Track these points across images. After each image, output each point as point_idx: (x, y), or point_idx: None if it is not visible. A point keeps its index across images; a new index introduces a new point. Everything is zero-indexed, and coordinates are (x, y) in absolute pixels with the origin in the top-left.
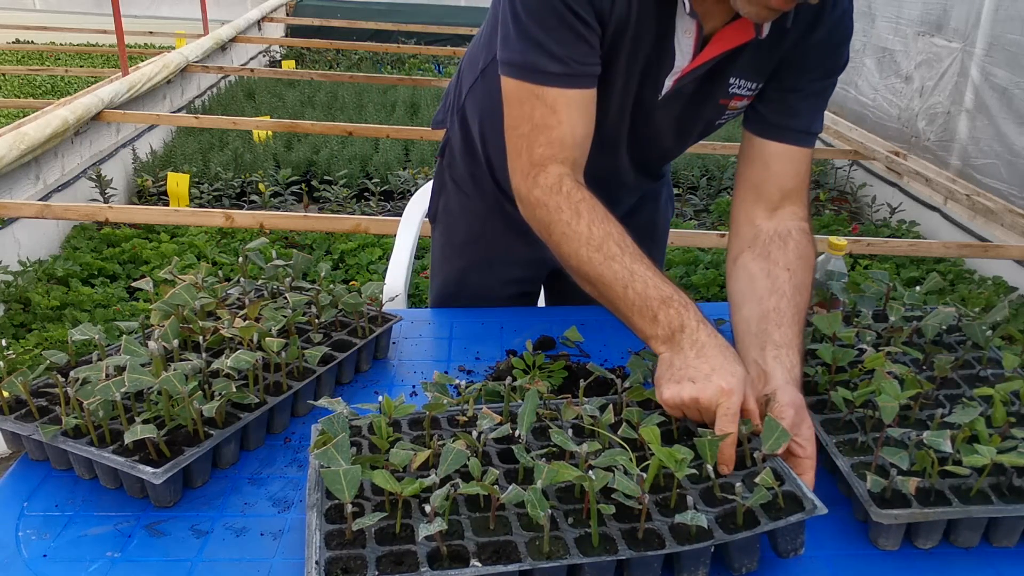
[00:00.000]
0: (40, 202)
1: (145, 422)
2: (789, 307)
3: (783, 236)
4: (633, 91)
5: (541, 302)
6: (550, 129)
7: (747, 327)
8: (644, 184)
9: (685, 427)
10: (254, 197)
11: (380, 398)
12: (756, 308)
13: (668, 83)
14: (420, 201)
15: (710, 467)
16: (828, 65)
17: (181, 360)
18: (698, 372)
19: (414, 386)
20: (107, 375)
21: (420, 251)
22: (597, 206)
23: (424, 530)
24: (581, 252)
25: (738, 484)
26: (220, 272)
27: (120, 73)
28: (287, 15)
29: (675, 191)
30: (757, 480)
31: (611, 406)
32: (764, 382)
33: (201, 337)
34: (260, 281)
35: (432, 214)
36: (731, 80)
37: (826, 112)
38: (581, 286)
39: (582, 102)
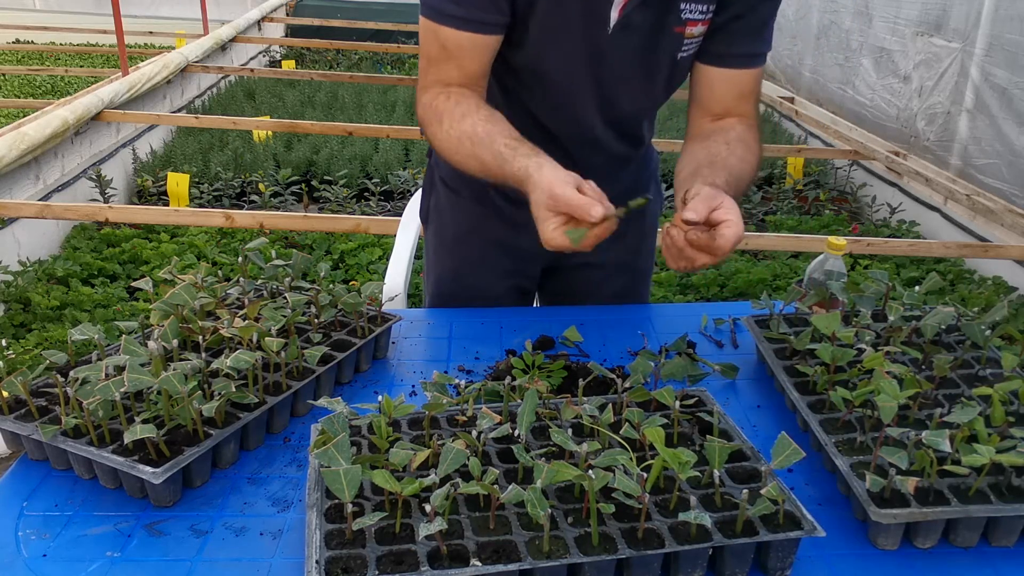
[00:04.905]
0: (40, 202)
1: (145, 422)
2: (722, 163)
3: (725, 128)
4: (578, 31)
5: (536, 303)
6: (439, 64)
7: (679, 177)
8: (625, 147)
9: (685, 432)
10: (254, 197)
11: (380, 398)
12: (690, 168)
13: (614, 15)
14: (420, 201)
15: (716, 473)
16: None
17: (181, 360)
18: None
19: (414, 386)
20: (107, 375)
21: (420, 251)
22: (456, 108)
23: (424, 529)
24: (447, 154)
25: (743, 491)
26: (220, 272)
27: (120, 73)
28: (287, 15)
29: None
30: (763, 492)
31: (611, 406)
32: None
33: (201, 337)
34: (260, 281)
35: (424, 214)
36: (682, 5)
37: (826, 112)
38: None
39: (473, 45)
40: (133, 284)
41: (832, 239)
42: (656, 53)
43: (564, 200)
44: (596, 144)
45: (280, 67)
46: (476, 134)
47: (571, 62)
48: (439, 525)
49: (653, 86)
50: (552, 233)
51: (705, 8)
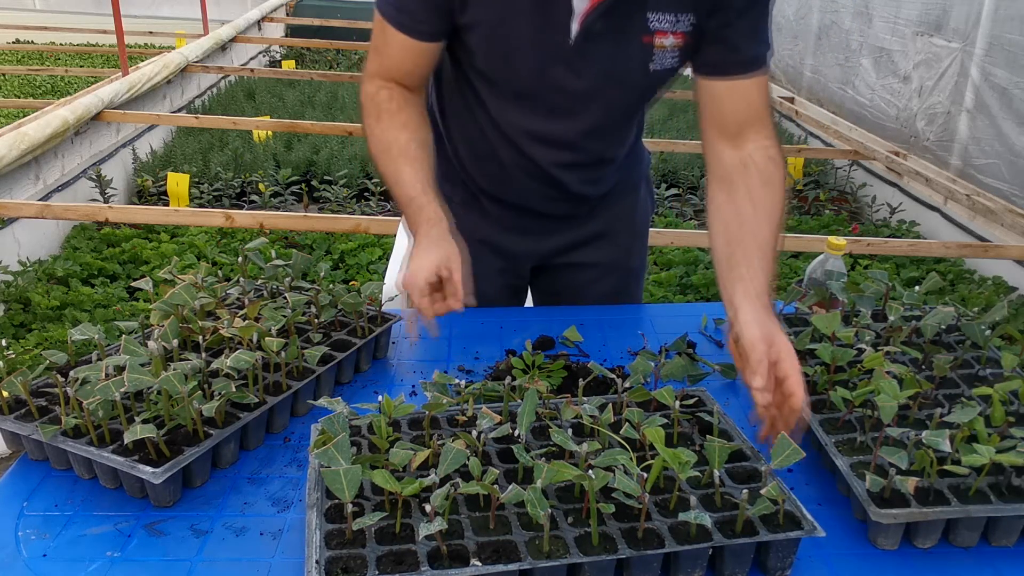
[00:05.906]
0: (40, 202)
1: (145, 422)
2: (754, 239)
3: (745, 164)
4: (538, 43)
5: (529, 302)
6: (381, 56)
7: (718, 266)
8: (601, 147)
9: (685, 432)
10: (254, 197)
11: (380, 398)
12: (722, 241)
13: (575, 26)
14: None
15: (716, 473)
16: None
17: (181, 360)
18: (409, 259)
19: (414, 386)
20: (107, 375)
21: None
22: (399, 114)
23: (424, 529)
24: (374, 151)
25: (743, 491)
26: (220, 272)
27: (120, 73)
28: (287, 15)
29: (675, 191)
30: (763, 492)
31: (611, 406)
32: (735, 318)
33: (201, 337)
34: (260, 281)
35: None
36: (648, 15)
37: (826, 112)
38: None
39: (411, 48)
40: (133, 284)
41: (832, 239)
42: (625, 64)
43: (451, 278)
44: (564, 146)
45: (280, 67)
46: (405, 152)
47: (533, 74)
48: (439, 525)
49: (625, 96)
50: (423, 299)
51: (675, 19)
